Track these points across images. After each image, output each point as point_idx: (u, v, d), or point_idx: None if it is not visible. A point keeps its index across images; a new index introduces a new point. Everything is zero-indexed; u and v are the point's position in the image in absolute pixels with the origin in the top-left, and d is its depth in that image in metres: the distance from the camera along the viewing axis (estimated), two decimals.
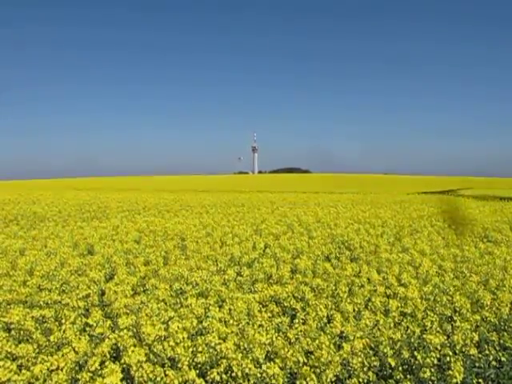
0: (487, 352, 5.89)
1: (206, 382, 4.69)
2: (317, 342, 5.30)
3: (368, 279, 8.27)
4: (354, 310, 6.68)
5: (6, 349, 4.88)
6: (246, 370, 4.75)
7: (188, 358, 4.94)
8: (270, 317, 6.26)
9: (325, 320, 6.30)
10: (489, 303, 7.04)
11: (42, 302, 6.95)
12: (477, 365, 5.83)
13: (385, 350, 5.60)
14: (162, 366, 4.84)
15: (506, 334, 6.40)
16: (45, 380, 4.36)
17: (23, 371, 4.44)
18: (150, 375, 4.52)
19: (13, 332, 5.62)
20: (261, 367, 4.83)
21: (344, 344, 5.41)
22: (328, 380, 4.88)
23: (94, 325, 5.74)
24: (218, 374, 4.79)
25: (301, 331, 5.76)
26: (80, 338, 5.09)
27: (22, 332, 5.61)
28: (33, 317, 5.90)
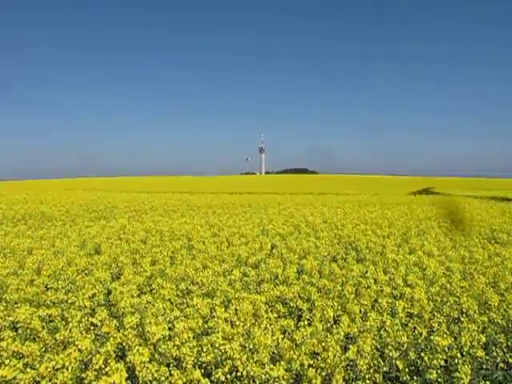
0: (495, 354, 5.85)
1: (211, 382, 4.68)
2: (323, 343, 5.27)
3: (375, 280, 8.24)
4: (360, 311, 6.66)
5: (12, 348, 4.89)
6: (251, 372, 4.74)
7: (193, 358, 4.95)
8: (276, 317, 6.25)
9: (331, 321, 6.28)
10: (496, 305, 6.98)
11: (48, 301, 6.98)
12: (484, 367, 5.78)
13: (391, 353, 5.57)
14: (167, 365, 4.85)
15: None
16: (50, 378, 4.37)
17: (28, 370, 4.46)
18: (155, 375, 4.52)
19: (19, 331, 5.64)
20: (266, 369, 4.81)
21: (350, 345, 5.38)
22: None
23: (100, 324, 5.76)
24: (222, 374, 4.78)
25: (306, 334, 5.74)
26: (86, 337, 5.10)
27: (28, 331, 5.62)
28: (39, 316, 5.92)
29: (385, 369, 5.47)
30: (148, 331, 5.26)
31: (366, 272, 8.83)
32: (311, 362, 5.05)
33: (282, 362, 4.95)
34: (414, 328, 6.14)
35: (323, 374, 4.95)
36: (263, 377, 4.73)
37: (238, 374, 4.77)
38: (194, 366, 4.82)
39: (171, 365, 4.92)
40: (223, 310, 6.06)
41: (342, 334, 5.75)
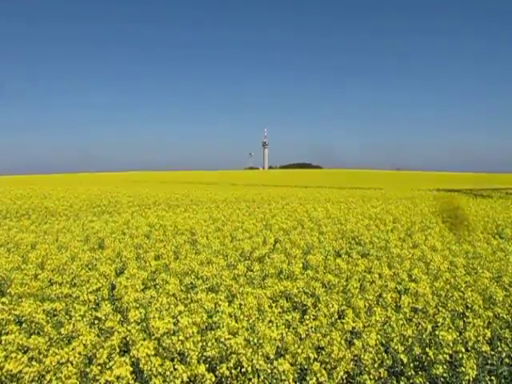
0: (500, 349, 5.83)
1: (215, 376, 4.68)
2: (328, 337, 5.27)
3: (379, 275, 8.22)
4: (365, 306, 6.64)
5: (17, 341, 4.90)
6: (257, 366, 4.74)
7: (197, 353, 4.95)
8: (280, 312, 6.24)
9: (336, 316, 6.27)
10: (501, 300, 6.96)
11: (53, 296, 6.98)
12: (489, 362, 5.77)
13: (396, 347, 5.56)
14: (172, 360, 4.85)
15: None
16: (55, 373, 4.38)
17: (34, 363, 4.47)
18: (159, 369, 4.52)
19: (24, 325, 5.65)
20: (271, 363, 4.81)
21: (355, 340, 5.37)
22: (339, 377, 4.85)
23: (104, 318, 5.77)
24: (227, 369, 4.78)
25: (312, 327, 5.73)
26: (90, 332, 5.11)
27: (33, 325, 5.63)
28: (44, 310, 5.93)
29: (388, 362, 5.46)
30: (152, 326, 5.26)
31: (371, 267, 8.81)
32: (316, 356, 5.04)
33: (287, 356, 4.95)
34: (419, 323, 6.13)
35: (328, 367, 4.94)
36: (269, 371, 4.73)
37: (243, 369, 4.77)
38: (198, 361, 4.82)
39: (175, 359, 4.92)
40: (227, 304, 6.05)
41: (347, 328, 5.75)
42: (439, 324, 6.13)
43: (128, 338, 5.14)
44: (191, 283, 7.81)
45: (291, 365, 4.84)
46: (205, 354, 4.99)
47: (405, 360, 5.42)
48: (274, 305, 6.44)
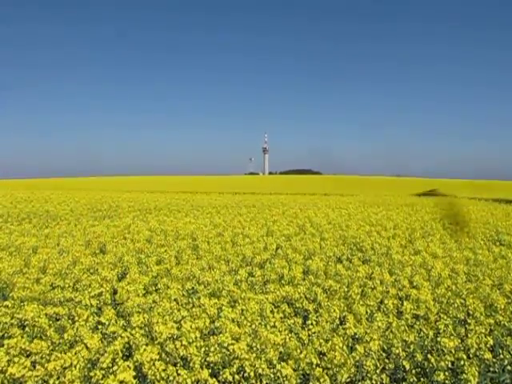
0: (502, 356, 5.83)
1: (218, 381, 4.69)
2: (330, 343, 5.27)
3: (380, 281, 8.23)
4: (366, 312, 6.65)
5: (20, 345, 4.91)
6: (259, 371, 4.75)
7: (200, 358, 4.95)
8: (282, 317, 6.24)
9: (337, 321, 6.28)
10: (503, 307, 6.96)
11: (55, 300, 6.99)
12: (491, 369, 5.76)
13: (398, 352, 5.56)
14: (175, 365, 4.85)
15: None
16: (58, 377, 4.39)
17: (38, 367, 4.48)
18: (163, 374, 4.53)
19: (27, 329, 5.66)
20: (274, 368, 4.82)
21: (357, 346, 5.38)
22: (342, 382, 4.86)
23: (107, 323, 5.77)
24: (230, 374, 4.79)
25: (314, 332, 5.75)
26: (93, 336, 5.11)
27: (35, 329, 5.64)
28: (46, 314, 5.94)
29: (391, 366, 5.47)
30: (155, 330, 5.27)
31: (372, 273, 8.82)
32: (318, 362, 5.04)
33: (290, 361, 4.96)
34: (421, 329, 6.13)
35: (330, 373, 4.94)
36: (272, 376, 4.74)
37: (246, 374, 4.78)
38: (201, 366, 4.83)
39: (178, 364, 4.93)
40: (230, 309, 6.06)
41: (349, 334, 5.76)
42: (441, 331, 6.13)
43: (131, 343, 5.14)
44: (193, 288, 7.81)
45: (294, 370, 4.85)
46: (208, 359, 5.00)
47: (407, 366, 5.42)
48: (275, 310, 6.45)
